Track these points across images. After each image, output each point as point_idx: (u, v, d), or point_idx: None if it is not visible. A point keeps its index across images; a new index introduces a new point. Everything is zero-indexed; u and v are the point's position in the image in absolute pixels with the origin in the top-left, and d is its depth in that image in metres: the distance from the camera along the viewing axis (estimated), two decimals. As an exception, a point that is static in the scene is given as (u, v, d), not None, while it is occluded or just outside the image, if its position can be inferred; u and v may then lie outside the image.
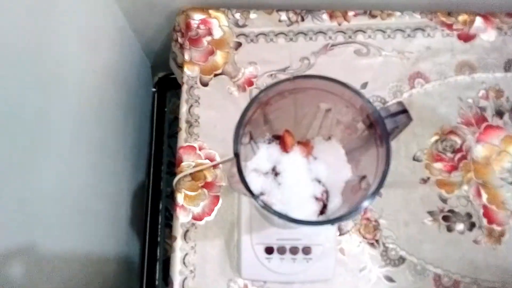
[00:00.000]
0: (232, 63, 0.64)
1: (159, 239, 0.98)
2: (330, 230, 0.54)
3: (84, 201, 0.59)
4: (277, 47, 0.65)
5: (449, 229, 0.57)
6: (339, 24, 0.66)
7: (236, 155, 0.35)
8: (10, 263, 0.41)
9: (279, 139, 0.45)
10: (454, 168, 0.60)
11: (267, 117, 0.42)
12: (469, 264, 0.56)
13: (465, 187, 0.59)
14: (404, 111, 0.36)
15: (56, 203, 0.50)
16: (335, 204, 0.42)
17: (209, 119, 0.61)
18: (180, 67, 0.68)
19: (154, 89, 1.01)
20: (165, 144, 1.04)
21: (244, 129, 0.37)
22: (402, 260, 0.56)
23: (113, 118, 0.69)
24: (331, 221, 0.37)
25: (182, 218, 0.56)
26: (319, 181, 0.44)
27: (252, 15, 0.66)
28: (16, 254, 0.42)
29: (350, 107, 0.39)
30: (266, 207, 0.34)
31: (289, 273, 0.52)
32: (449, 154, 0.60)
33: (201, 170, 0.58)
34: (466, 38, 0.66)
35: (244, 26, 0.66)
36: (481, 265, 0.56)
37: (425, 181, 0.59)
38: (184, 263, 0.55)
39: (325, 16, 0.67)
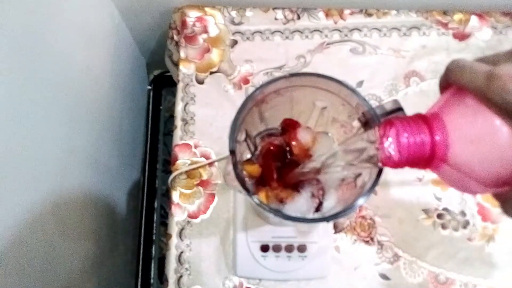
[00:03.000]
0: (228, 61, 0.64)
1: (154, 237, 0.98)
2: (326, 227, 0.54)
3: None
4: (273, 45, 0.65)
5: (444, 227, 0.57)
6: (335, 23, 0.66)
7: (232, 152, 0.34)
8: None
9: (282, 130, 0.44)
10: (449, 166, 0.60)
11: (263, 114, 0.42)
12: (464, 261, 0.56)
13: (460, 185, 0.59)
14: (400, 109, 0.36)
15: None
16: (331, 202, 0.42)
17: (204, 117, 0.61)
18: (176, 64, 0.68)
19: (149, 87, 1.01)
20: (161, 142, 1.04)
21: (240, 126, 0.37)
22: (397, 257, 0.56)
23: (108, 116, 0.69)
24: (326, 219, 0.37)
25: (177, 216, 0.56)
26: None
27: (248, 13, 0.66)
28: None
29: (346, 105, 0.39)
30: (262, 204, 0.34)
31: (284, 271, 0.52)
32: (444, 153, 0.61)
33: (196, 168, 0.57)
34: (462, 37, 0.67)
35: (240, 24, 0.66)
36: (475, 262, 0.56)
37: (420, 179, 0.59)
38: (179, 261, 0.55)
39: (321, 15, 0.67)
